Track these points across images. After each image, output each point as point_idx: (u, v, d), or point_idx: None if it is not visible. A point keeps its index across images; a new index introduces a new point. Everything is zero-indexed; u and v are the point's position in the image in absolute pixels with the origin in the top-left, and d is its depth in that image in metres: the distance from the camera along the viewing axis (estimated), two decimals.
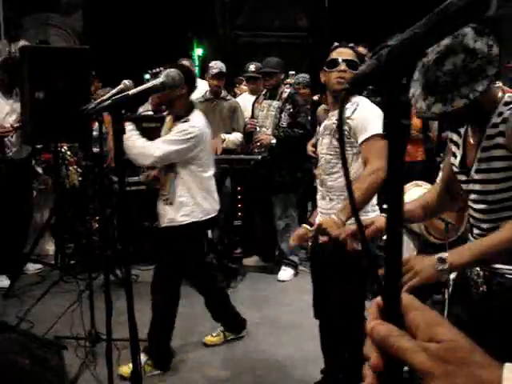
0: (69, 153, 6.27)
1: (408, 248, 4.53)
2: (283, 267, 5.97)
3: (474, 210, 2.16)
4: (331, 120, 3.27)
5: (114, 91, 2.82)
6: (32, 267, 5.91)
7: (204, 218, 3.94)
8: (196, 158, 3.83)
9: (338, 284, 3.21)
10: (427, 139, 6.05)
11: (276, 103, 5.79)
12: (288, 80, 6.96)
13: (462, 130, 2.22)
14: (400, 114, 0.71)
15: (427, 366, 0.65)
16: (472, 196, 2.14)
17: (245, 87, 7.51)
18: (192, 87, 3.96)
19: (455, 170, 2.22)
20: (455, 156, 2.22)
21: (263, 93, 6.02)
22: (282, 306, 5.16)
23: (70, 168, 6.23)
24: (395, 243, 0.73)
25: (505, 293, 2.10)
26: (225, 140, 5.88)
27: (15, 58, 5.87)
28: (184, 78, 3.80)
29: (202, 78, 7.27)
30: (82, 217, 6.04)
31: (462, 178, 2.17)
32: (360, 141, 3.09)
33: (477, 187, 2.10)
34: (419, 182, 4.79)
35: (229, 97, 6.22)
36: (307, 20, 11.08)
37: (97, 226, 6.03)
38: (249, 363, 4.15)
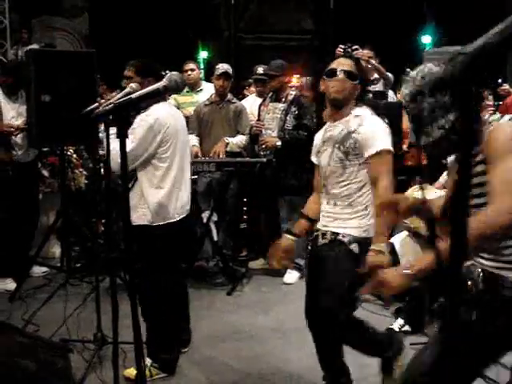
0: (75, 156, 6.28)
1: (415, 251, 4.52)
2: (289, 270, 5.96)
3: None
4: (335, 131, 3.29)
5: (120, 95, 2.83)
6: (38, 270, 5.91)
7: (160, 223, 3.76)
8: (158, 152, 3.70)
9: (330, 272, 3.18)
10: None
11: (282, 106, 5.80)
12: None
13: None
14: (471, 119, 0.72)
15: None
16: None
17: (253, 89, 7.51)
18: (156, 79, 3.84)
19: None
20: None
21: (269, 95, 6.03)
22: (288, 309, 5.15)
23: (76, 171, 6.24)
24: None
25: (499, 291, 2.22)
26: (228, 143, 5.88)
27: (20, 60, 5.90)
28: (146, 71, 3.78)
29: (207, 80, 7.27)
30: (88, 220, 6.05)
31: None
32: (368, 155, 3.16)
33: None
34: (423, 186, 4.80)
35: (234, 100, 6.22)
36: (312, 23, 11.07)
37: (102, 228, 6.04)
38: (254, 366, 4.14)
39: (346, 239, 3.21)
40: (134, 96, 2.21)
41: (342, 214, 3.25)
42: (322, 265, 3.27)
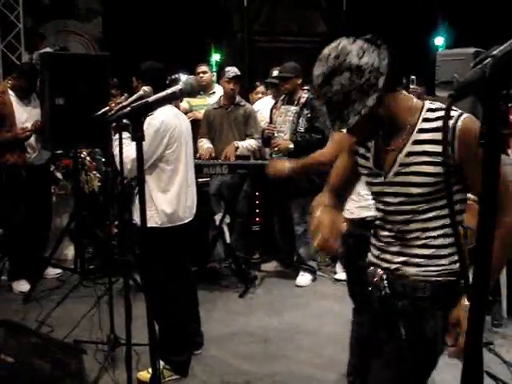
0: (88, 158, 6.32)
1: None
2: (301, 272, 5.96)
3: (387, 211, 2.14)
4: None
5: (133, 97, 2.84)
6: (52, 272, 5.95)
7: (167, 225, 3.78)
8: (165, 155, 3.73)
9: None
10: None
11: (294, 108, 5.79)
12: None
13: None
14: (499, 123, 0.72)
15: None
16: (386, 198, 2.12)
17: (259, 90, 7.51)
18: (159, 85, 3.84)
19: (364, 171, 2.19)
20: (365, 158, 2.19)
21: (281, 98, 6.03)
22: (300, 312, 5.15)
23: (90, 173, 6.28)
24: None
25: (408, 292, 2.08)
26: (238, 147, 5.87)
27: (34, 64, 5.94)
28: (148, 77, 3.80)
29: (220, 83, 7.29)
30: (101, 222, 6.08)
31: (376, 179, 2.14)
32: None
33: (393, 189, 2.08)
34: None
35: (243, 102, 6.22)
36: (325, 25, 11.05)
37: (115, 230, 6.07)
38: (267, 368, 4.14)
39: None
40: (150, 100, 2.22)
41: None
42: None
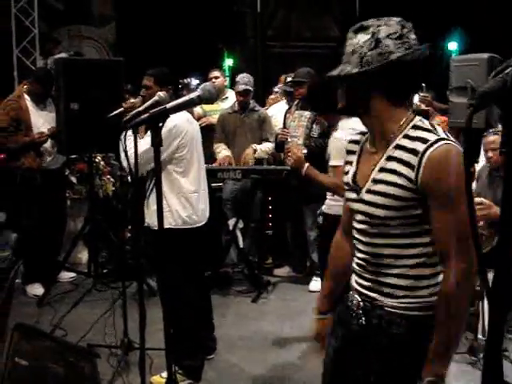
0: (102, 163, 6.36)
1: None
2: (314, 278, 5.95)
3: (357, 230, 2.03)
4: None
5: (149, 103, 2.86)
6: (66, 275, 5.97)
7: (181, 227, 3.78)
8: (175, 157, 3.75)
9: None
10: None
11: (307, 113, 5.79)
12: None
13: (362, 141, 2.08)
14: None
15: None
16: (358, 216, 2.00)
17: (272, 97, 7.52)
18: (175, 88, 3.96)
19: (346, 187, 2.07)
20: (347, 173, 2.08)
21: (295, 103, 6.03)
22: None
23: (104, 178, 6.32)
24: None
25: (383, 327, 1.94)
26: (256, 150, 5.91)
27: (49, 69, 5.97)
28: (165, 80, 3.84)
29: (233, 88, 7.31)
30: (115, 226, 6.10)
31: (352, 195, 2.02)
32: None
33: (363, 208, 1.95)
34: None
35: (257, 107, 6.24)
36: (338, 30, 11.07)
37: (129, 235, 6.09)
38: (280, 373, 4.14)
39: None
40: (168, 106, 2.22)
41: None
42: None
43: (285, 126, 6.01)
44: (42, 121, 5.65)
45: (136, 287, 5.37)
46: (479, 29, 12.52)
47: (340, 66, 1.92)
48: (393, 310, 1.93)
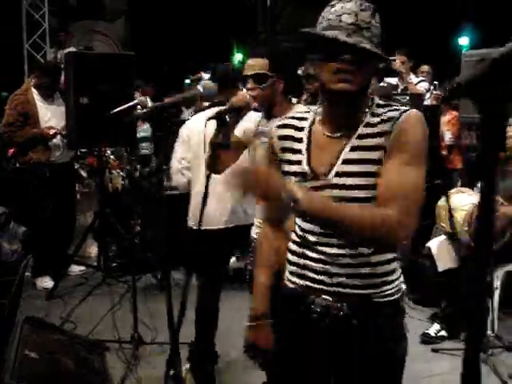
0: (112, 157, 6.37)
1: (451, 258, 4.47)
2: None
3: None
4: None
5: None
6: (75, 269, 5.99)
7: (193, 227, 3.72)
8: (186, 157, 3.76)
9: None
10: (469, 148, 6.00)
11: (314, 108, 5.76)
12: None
13: (306, 126, 2.01)
14: (495, 126, 0.71)
15: None
16: None
17: None
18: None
19: (295, 179, 1.88)
20: (293, 163, 1.92)
21: (304, 98, 6.00)
22: None
23: (113, 172, 6.32)
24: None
25: (368, 318, 1.87)
26: None
27: (58, 62, 5.97)
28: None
29: None
30: (125, 220, 6.12)
31: (313, 184, 1.84)
32: None
33: (335, 193, 1.80)
34: (462, 189, 4.74)
35: None
36: None
37: (138, 228, 6.10)
38: None
39: None
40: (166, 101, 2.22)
41: None
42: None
43: None
44: (49, 115, 5.63)
45: (145, 282, 5.41)
46: (490, 24, 12.44)
47: (347, 37, 1.77)
48: (375, 300, 1.85)
